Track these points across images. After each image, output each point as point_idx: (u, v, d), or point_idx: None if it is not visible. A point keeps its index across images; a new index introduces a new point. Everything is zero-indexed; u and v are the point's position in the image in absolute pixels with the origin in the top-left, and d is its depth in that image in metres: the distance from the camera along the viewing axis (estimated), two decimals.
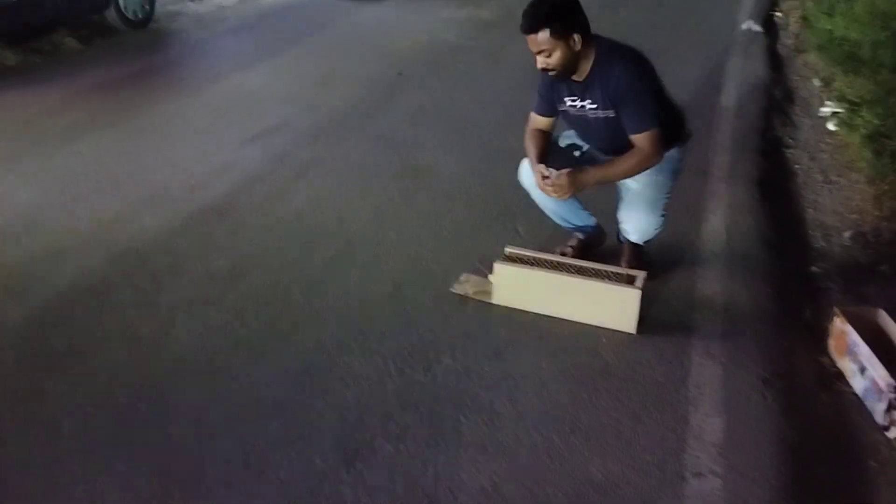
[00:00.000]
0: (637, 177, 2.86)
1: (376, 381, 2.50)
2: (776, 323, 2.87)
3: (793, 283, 3.16)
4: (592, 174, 2.83)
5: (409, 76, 5.80)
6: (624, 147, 2.77)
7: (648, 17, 7.66)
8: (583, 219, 3.19)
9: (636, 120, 2.71)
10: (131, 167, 4.11)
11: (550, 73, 2.74)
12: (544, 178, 2.82)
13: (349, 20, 7.62)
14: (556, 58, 2.67)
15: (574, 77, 2.77)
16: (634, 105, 2.70)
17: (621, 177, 2.85)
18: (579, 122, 2.94)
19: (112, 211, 3.62)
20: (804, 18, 7.36)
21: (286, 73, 5.90)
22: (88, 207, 3.66)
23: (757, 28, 7.26)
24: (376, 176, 4.06)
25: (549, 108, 2.93)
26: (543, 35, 2.63)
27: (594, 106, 2.78)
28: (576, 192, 2.84)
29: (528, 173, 3.03)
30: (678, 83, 5.59)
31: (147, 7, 7.24)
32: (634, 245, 3.12)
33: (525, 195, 3.10)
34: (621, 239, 3.20)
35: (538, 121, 3.00)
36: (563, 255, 3.11)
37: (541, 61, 2.71)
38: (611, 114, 2.76)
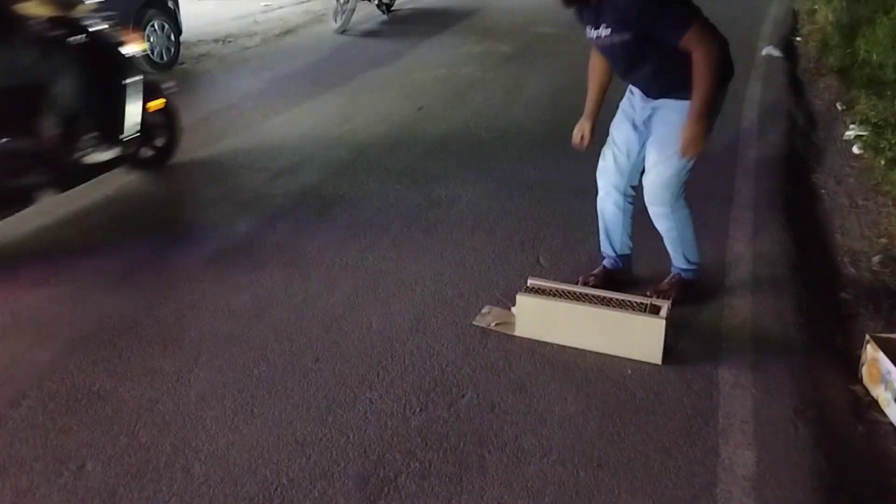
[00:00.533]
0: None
1: (399, 417, 2.48)
2: (807, 351, 2.81)
3: (822, 310, 3.09)
4: (698, 113, 2.64)
5: (429, 110, 5.85)
6: (648, 72, 2.72)
7: None
8: (623, 243, 3.18)
9: (672, 27, 2.55)
10: (156, 207, 4.17)
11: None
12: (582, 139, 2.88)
13: (368, 57, 7.73)
14: None
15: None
16: (660, 15, 2.54)
17: (712, 89, 2.62)
18: (606, 53, 2.81)
19: (137, 251, 3.66)
20: (824, 42, 7.33)
21: (308, 110, 5.98)
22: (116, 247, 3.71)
23: (777, 53, 7.24)
24: (397, 209, 4.07)
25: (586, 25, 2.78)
26: None
27: (608, 30, 2.65)
28: (704, 142, 2.70)
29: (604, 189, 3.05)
30: None
31: (172, 49, 7.42)
32: (681, 279, 3.11)
33: (547, 224, 3.09)
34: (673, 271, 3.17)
35: (594, 52, 2.92)
36: (586, 284, 3.09)
37: None
38: (626, 37, 2.62)
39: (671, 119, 2.76)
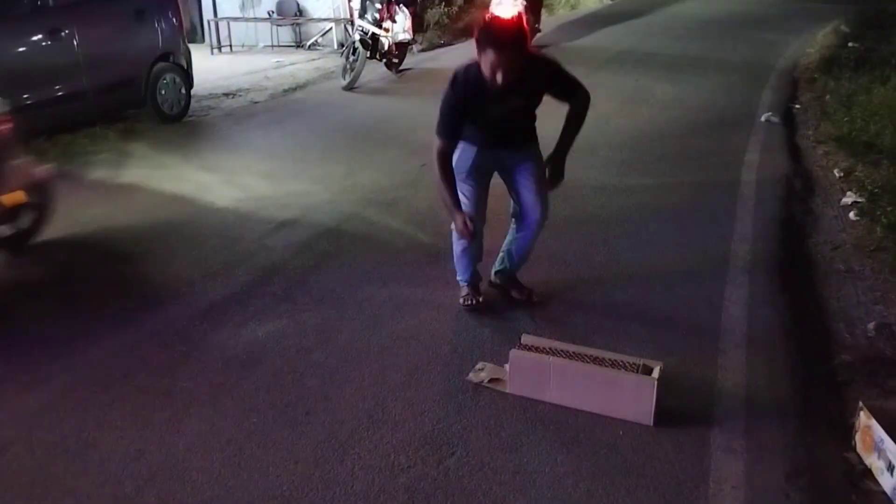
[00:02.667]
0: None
1: (387, 474, 2.46)
2: (800, 417, 2.79)
3: (816, 375, 3.08)
4: (562, 155, 3.38)
5: (431, 167, 5.92)
6: (527, 124, 3.40)
7: (668, 113, 7.82)
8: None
9: (571, 83, 3.30)
10: (154, 256, 4.21)
11: (504, 81, 3.03)
12: (467, 229, 3.19)
13: (375, 114, 7.88)
14: (516, 69, 3.02)
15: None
16: (560, 74, 3.28)
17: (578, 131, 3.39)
18: (498, 117, 3.25)
19: (135, 298, 3.68)
20: (823, 110, 7.46)
21: (313, 164, 6.08)
22: (112, 293, 3.72)
23: (776, 120, 7.36)
24: (396, 263, 4.10)
25: (460, 125, 3.22)
26: (514, 55, 3.00)
27: (519, 97, 3.19)
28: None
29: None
30: (699, 175, 5.67)
31: (183, 102, 7.58)
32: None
33: (546, 290, 3.09)
34: (506, 274, 3.65)
35: (449, 146, 3.25)
36: (477, 304, 3.52)
37: (504, 75, 3.01)
38: (530, 99, 3.26)
39: (537, 155, 3.44)
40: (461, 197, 3.32)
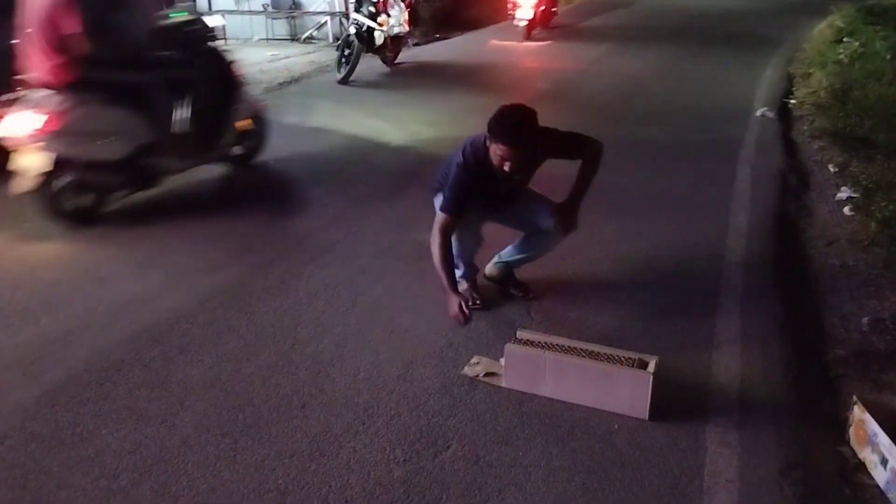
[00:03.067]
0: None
1: (382, 468, 2.46)
2: (794, 411, 2.80)
3: (810, 370, 3.09)
4: (576, 203, 3.38)
5: (428, 161, 5.92)
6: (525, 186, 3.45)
7: (663, 104, 7.83)
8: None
9: (577, 142, 3.36)
10: (151, 250, 4.20)
11: (512, 173, 3.11)
12: (462, 314, 3.19)
13: (368, 107, 7.86)
14: (525, 161, 3.12)
15: None
16: (565, 140, 3.31)
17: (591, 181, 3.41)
18: (504, 191, 3.34)
19: (130, 293, 3.67)
20: (818, 105, 7.47)
21: (306, 157, 6.06)
22: (107, 289, 3.72)
23: (771, 115, 7.37)
24: (391, 257, 4.10)
25: (469, 204, 3.24)
26: (525, 150, 3.06)
27: (525, 171, 3.30)
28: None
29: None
30: (694, 169, 5.68)
31: None
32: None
33: (542, 285, 3.08)
34: (506, 268, 3.66)
35: (453, 223, 3.24)
36: (476, 303, 3.48)
37: (511, 168, 3.07)
38: (534, 169, 3.38)
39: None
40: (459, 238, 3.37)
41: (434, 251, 3.25)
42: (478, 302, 3.54)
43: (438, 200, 3.40)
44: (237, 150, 5.57)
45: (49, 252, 4.15)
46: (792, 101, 8.09)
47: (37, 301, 3.58)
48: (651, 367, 2.71)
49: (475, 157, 3.20)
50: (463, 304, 3.21)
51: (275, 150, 5.97)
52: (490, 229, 3.59)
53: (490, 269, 3.73)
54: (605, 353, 2.83)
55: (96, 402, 2.80)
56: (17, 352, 3.14)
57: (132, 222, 4.60)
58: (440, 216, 3.26)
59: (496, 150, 3.07)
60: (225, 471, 2.44)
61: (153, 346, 3.18)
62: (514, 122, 3.05)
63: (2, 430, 2.63)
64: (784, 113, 7.61)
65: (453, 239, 3.36)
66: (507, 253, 3.67)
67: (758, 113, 7.41)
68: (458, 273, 3.57)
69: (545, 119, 3.21)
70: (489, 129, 3.08)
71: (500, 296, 3.65)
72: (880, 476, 2.40)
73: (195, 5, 12.61)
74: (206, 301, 3.58)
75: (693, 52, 11.03)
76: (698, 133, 6.80)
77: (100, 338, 3.25)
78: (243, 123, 5.43)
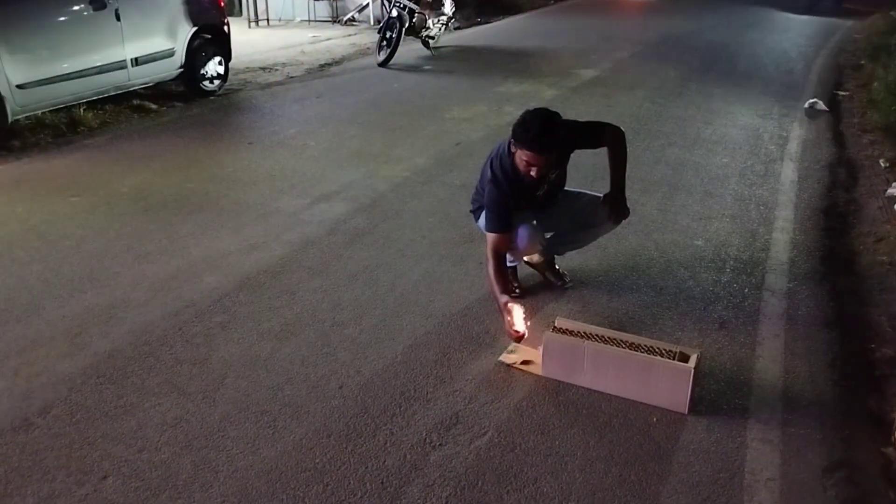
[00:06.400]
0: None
1: (419, 451, 2.47)
2: (838, 410, 2.74)
3: (856, 369, 3.02)
4: (620, 191, 3.34)
5: (467, 146, 5.90)
6: (562, 186, 3.42)
7: (713, 91, 7.68)
8: None
9: (598, 130, 3.34)
10: (194, 228, 4.25)
11: (537, 178, 3.09)
12: (516, 331, 3.00)
13: (409, 91, 7.85)
14: (551, 166, 3.11)
15: None
16: (587, 130, 3.30)
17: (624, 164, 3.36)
18: (543, 195, 3.31)
19: (172, 269, 3.73)
20: (870, 98, 7.27)
21: (347, 140, 6.08)
22: (152, 264, 3.78)
23: (821, 106, 7.19)
24: (430, 243, 4.10)
25: (511, 215, 3.19)
26: (552, 156, 3.05)
27: (554, 173, 3.26)
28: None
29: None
30: (741, 161, 5.57)
31: (220, 76, 7.61)
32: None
33: (581, 274, 3.05)
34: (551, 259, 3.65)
35: (504, 240, 3.19)
36: (516, 291, 3.48)
37: (537, 173, 3.05)
38: (564, 166, 3.34)
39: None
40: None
41: (489, 272, 3.19)
42: (517, 290, 3.51)
43: (480, 218, 3.41)
44: None
45: (94, 227, 4.23)
46: (842, 93, 7.88)
47: (83, 274, 3.65)
48: (692, 361, 2.67)
49: (503, 170, 3.16)
50: (518, 326, 3.01)
51: (313, 128, 5.99)
52: None
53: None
54: (645, 345, 2.80)
55: (139, 375, 2.86)
56: (63, 323, 3.21)
57: (174, 201, 4.66)
58: (489, 237, 3.20)
59: (522, 157, 3.04)
60: (264, 448, 2.47)
61: (195, 323, 3.23)
62: (538, 129, 2.99)
63: (49, 400, 2.69)
64: (834, 104, 7.43)
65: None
66: (551, 240, 3.62)
67: (807, 104, 7.24)
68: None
69: (579, 110, 3.16)
70: (514, 136, 3.05)
71: (539, 284, 3.63)
72: None
73: None
74: (247, 280, 3.62)
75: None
76: (745, 125, 6.66)
77: (143, 313, 3.30)
78: None
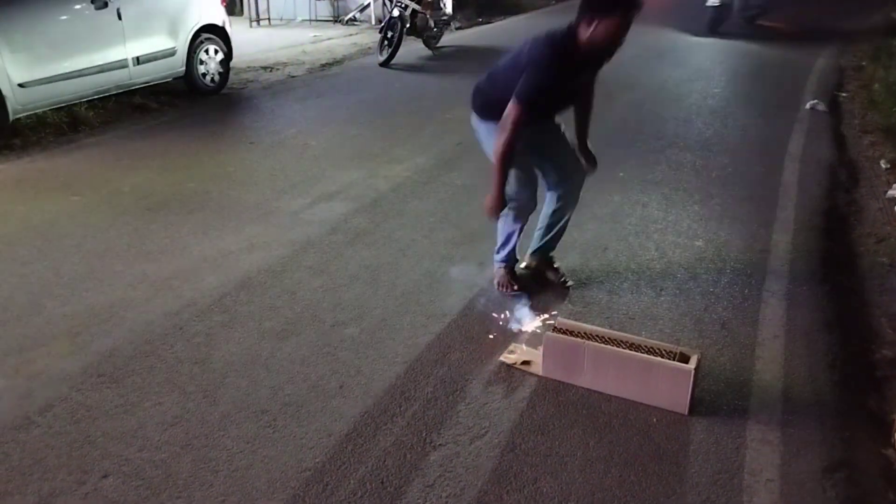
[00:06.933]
0: None
1: (419, 451, 2.47)
2: (838, 411, 2.74)
3: (856, 370, 3.02)
4: (586, 141, 3.47)
5: (468, 146, 5.90)
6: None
7: (717, 92, 7.68)
8: None
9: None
10: (195, 227, 4.26)
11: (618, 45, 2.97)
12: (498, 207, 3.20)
13: (410, 90, 7.85)
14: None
15: None
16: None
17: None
18: (570, 90, 3.22)
19: (173, 268, 3.73)
20: (870, 99, 7.26)
21: (349, 140, 6.09)
22: (153, 263, 3.78)
23: (821, 107, 7.19)
24: (431, 243, 4.10)
25: (545, 100, 3.10)
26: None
27: (592, 69, 3.22)
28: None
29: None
30: (741, 160, 5.57)
31: (221, 75, 7.62)
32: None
33: (582, 274, 3.05)
34: (543, 254, 3.67)
35: (530, 117, 3.06)
36: (515, 290, 3.51)
37: (620, 43, 2.95)
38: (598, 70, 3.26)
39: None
40: (517, 171, 3.27)
41: (500, 144, 3.07)
42: (515, 288, 3.52)
43: (487, 126, 3.27)
44: None
45: (95, 226, 4.23)
46: (843, 94, 7.88)
47: (84, 273, 3.65)
48: (693, 362, 2.67)
49: (562, 47, 2.98)
50: (500, 205, 3.22)
51: (314, 127, 6.00)
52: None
53: (528, 259, 3.71)
54: (645, 345, 2.80)
55: (140, 374, 2.86)
56: (64, 322, 3.21)
57: (175, 201, 4.67)
58: (515, 107, 3.02)
59: (609, 28, 2.86)
60: (263, 448, 2.47)
61: (196, 322, 3.23)
62: None
63: (49, 399, 2.69)
64: (835, 106, 7.42)
65: (510, 206, 3.33)
66: (536, 238, 3.64)
67: (807, 105, 7.24)
68: (498, 256, 3.57)
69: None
70: (600, 9, 2.86)
71: (539, 284, 3.63)
72: None
73: None
74: (248, 279, 3.62)
75: None
76: (745, 125, 6.66)
77: (144, 312, 3.31)
78: None
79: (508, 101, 3.05)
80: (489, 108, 3.26)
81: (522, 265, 3.68)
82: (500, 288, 3.54)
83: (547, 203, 3.56)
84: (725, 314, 3.39)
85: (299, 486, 2.30)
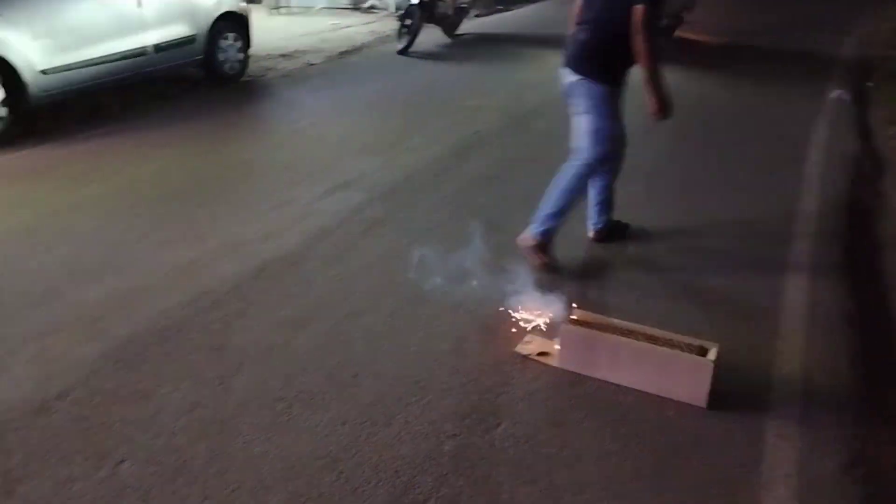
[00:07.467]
0: None
1: (433, 441, 2.46)
2: (858, 407, 2.70)
3: (878, 366, 2.97)
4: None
5: (486, 135, 5.87)
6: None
7: (736, 82, 7.57)
8: None
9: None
10: (211, 215, 4.27)
11: None
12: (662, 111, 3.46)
13: (429, 79, 7.82)
14: None
15: None
16: None
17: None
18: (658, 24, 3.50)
19: (190, 256, 3.74)
20: None
21: (365, 128, 6.07)
22: (170, 251, 3.80)
23: (847, 97, 7.07)
24: (445, 231, 4.08)
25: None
26: None
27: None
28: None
29: None
30: (765, 152, 5.50)
31: (240, 63, 7.63)
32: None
33: (599, 265, 3.03)
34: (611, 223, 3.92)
35: (655, 13, 3.35)
36: (546, 263, 3.60)
37: None
38: None
39: None
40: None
41: (644, 46, 3.30)
42: (546, 261, 3.62)
43: (590, 85, 3.50)
44: None
45: (114, 213, 4.26)
46: (869, 84, 7.74)
47: (102, 260, 3.68)
48: (712, 355, 2.64)
49: None
50: (670, 111, 3.47)
51: (331, 116, 5.98)
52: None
53: (595, 235, 3.93)
54: (663, 338, 2.77)
55: (157, 361, 2.88)
56: (83, 308, 3.24)
57: (193, 188, 4.68)
58: (640, 8, 3.26)
59: None
60: (278, 435, 2.48)
61: (212, 310, 3.24)
62: None
63: (68, 384, 2.72)
64: (861, 96, 7.29)
65: (606, 168, 3.68)
66: (593, 213, 3.88)
67: (833, 95, 7.12)
68: (540, 229, 3.61)
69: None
70: None
71: (554, 276, 3.59)
72: None
73: None
74: (263, 268, 3.63)
75: None
76: (769, 114, 6.57)
77: (161, 299, 3.32)
78: None
79: (619, 40, 3.33)
80: (597, 57, 3.48)
81: (595, 238, 3.92)
82: (537, 258, 3.60)
83: (602, 177, 3.77)
84: (746, 307, 3.35)
85: (314, 474, 2.30)
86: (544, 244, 3.60)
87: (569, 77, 3.56)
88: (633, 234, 4.00)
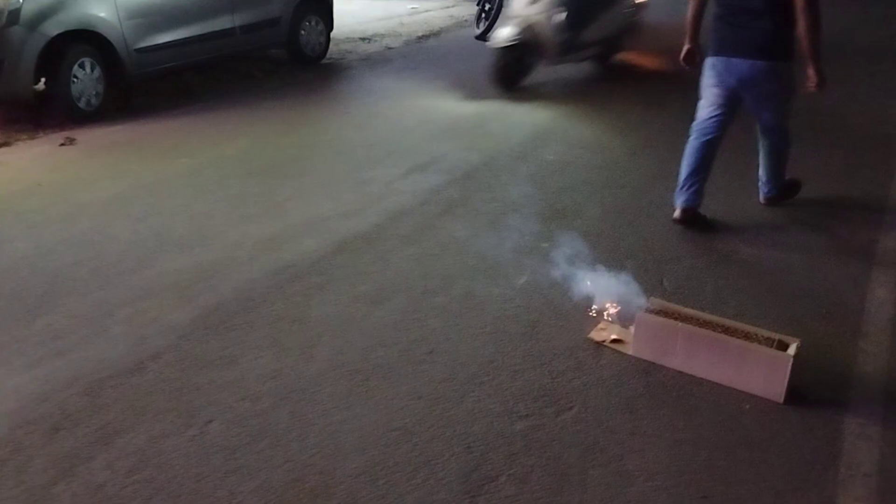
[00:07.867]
0: None
1: (505, 420, 2.51)
2: None
3: None
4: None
5: (564, 121, 5.85)
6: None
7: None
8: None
9: None
10: (294, 192, 4.41)
11: None
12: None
13: None
14: None
15: None
16: None
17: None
18: None
19: (274, 230, 3.88)
20: None
21: (443, 112, 6.12)
22: (255, 225, 3.95)
23: None
24: (522, 216, 4.10)
25: None
26: None
27: None
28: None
29: None
30: (853, 151, 5.29)
31: (322, 45, 7.79)
32: None
33: (677, 254, 3.00)
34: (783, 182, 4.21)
35: None
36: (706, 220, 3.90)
37: None
38: None
39: None
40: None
41: (814, 17, 3.45)
42: (705, 219, 3.92)
43: (772, 65, 3.62)
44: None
45: (202, 187, 4.44)
46: None
47: (191, 232, 3.85)
48: (792, 350, 2.60)
49: None
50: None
51: (408, 99, 6.04)
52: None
53: (767, 199, 4.20)
54: (741, 330, 2.73)
55: (242, 329, 3.01)
56: (174, 276, 3.41)
57: (276, 166, 4.83)
58: None
59: None
60: (356, 405, 2.57)
61: (294, 283, 3.36)
62: None
63: (160, 347, 2.88)
64: None
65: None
66: (763, 174, 4.14)
67: None
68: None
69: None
70: None
71: (629, 261, 3.57)
72: None
73: None
74: (343, 244, 3.74)
75: None
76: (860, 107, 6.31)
77: (246, 270, 3.47)
78: None
79: (790, 12, 3.47)
80: (779, 35, 3.60)
81: (765, 201, 4.20)
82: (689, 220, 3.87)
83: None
84: (829, 304, 3.26)
85: (389, 444, 2.38)
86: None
87: (748, 65, 3.64)
88: (712, 224, 3.93)
